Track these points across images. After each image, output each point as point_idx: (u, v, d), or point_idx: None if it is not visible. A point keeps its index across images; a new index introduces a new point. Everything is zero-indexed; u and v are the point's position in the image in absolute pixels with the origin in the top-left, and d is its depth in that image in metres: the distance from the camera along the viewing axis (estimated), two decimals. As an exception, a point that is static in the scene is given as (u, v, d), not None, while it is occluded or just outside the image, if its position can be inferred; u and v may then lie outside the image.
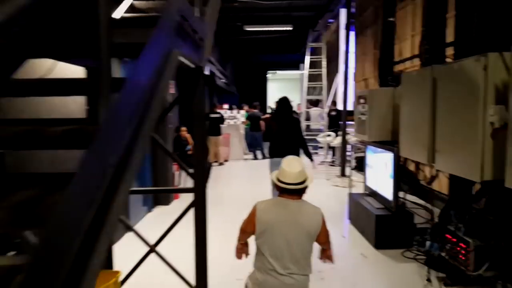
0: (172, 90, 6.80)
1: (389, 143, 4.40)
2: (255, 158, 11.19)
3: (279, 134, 4.94)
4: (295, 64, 20.27)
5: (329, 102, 11.74)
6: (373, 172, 4.84)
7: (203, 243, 2.50)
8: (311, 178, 2.17)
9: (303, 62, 17.30)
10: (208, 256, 2.57)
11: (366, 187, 5.06)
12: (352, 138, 8.96)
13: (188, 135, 6.90)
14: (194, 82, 2.51)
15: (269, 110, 17.83)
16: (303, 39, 12.84)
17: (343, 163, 8.01)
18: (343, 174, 7.98)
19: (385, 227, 4.20)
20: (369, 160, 4.96)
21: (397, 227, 4.20)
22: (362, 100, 5.11)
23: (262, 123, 11.13)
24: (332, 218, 4.66)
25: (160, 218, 5.18)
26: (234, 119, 11.50)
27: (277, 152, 4.66)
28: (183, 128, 6.84)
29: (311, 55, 12.19)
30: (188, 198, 2.61)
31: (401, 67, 6.02)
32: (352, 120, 10.49)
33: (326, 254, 2.29)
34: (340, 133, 10.12)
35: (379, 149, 4.58)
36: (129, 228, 2.62)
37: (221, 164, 10.17)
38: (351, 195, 5.25)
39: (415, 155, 3.82)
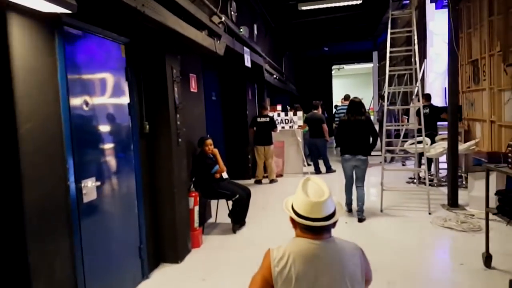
0: (194, 86, 4.75)
1: None
2: (318, 171, 8.74)
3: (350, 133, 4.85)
4: (366, 55, 17.15)
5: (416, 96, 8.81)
6: None
7: None
8: (339, 204, 1.63)
9: (376, 49, 14.35)
10: None
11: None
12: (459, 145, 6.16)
13: (215, 151, 4.77)
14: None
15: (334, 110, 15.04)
16: (375, 19, 10.07)
17: (454, 184, 5.21)
18: (454, 203, 5.20)
19: None
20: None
21: None
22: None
23: (325, 127, 8.64)
24: None
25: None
26: (290, 123, 9.18)
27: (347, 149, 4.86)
28: (209, 141, 4.73)
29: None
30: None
31: None
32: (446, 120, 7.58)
33: None
34: (440, 137, 7.24)
35: None
36: None
37: (272, 181, 7.90)
38: None
39: None
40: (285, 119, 8.99)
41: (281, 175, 8.61)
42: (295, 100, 15.50)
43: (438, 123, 7.62)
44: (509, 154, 3.18)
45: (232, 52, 6.05)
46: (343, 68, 23.58)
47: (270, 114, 8.83)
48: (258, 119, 7.73)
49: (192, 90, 4.75)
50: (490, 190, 5.09)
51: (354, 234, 4.57)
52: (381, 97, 9.67)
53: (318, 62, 18.99)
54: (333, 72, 22.17)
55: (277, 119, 9.14)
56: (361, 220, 4.94)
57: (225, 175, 4.75)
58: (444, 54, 9.55)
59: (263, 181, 7.94)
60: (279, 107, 9.53)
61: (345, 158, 4.92)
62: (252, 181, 8.04)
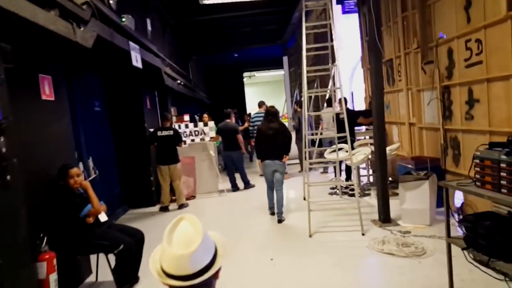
0: (47, 93, 3.29)
1: None
2: (235, 188, 7.70)
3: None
4: (277, 62, 16.87)
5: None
6: None
7: None
8: (223, 246, 1.32)
9: (286, 54, 14.05)
10: None
11: None
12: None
13: (85, 184, 3.34)
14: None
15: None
16: (284, 20, 9.53)
17: (384, 198, 4.59)
18: (386, 218, 4.58)
19: None
20: None
21: None
22: None
23: (240, 138, 7.66)
24: None
25: None
26: (201, 135, 7.99)
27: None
28: (75, 171, 3.29)
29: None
30: None
31: None
32: (363, 124, 7.25)
33: None
34: (359, 144, 6.79)
35: None
36: None
37: (182, 206, 6.58)
38: None
39: None
40: (194, 131, 7.77)
41: (193, 197, 7.35)
42: (206, 109, 14.39)
43: (357, 127, 7.24)
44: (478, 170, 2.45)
45: (115, 49, 4.68)
46: (254, 75, 23.32)
47: (177, 125, 7.56)
48: (159, 133, 6.38)
49: (44, 97, 3.27)
50: (420, 202, 4.64)
51: (284, 277, 3.59)
52: (296, 103, 9.08)
53: (229, 69, 18.22)
54: (245, 80, 21.70)
55: (184, 131, 7.89)
56: (280, 221, 5.18)
57: (102, 217, 3.35)
58: (348, 58, 9.45)
59: (171, 207, 6.59)
60: (186, 117, 8.29)
61: (266, 164, 5.15)
62: (156, 208, 6.63)
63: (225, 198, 7.25)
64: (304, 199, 6.38)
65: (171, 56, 9.08)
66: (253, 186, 7.84)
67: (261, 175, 9.26)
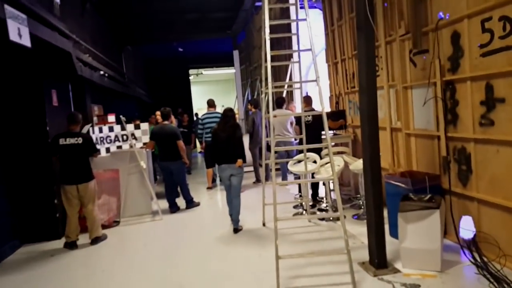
0: None
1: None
2: (174, 208, 6.09)
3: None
4: (226, 58, 15.33)
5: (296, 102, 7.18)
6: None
7: None
8: None
9: (237, 48, 12.70)
10: None
11: None
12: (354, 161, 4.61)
13: None
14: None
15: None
16: (236, 2, 8.10)
17: (379, 235, 3.30)
18: (381, 262, 3.29)
19: None
20: None
21: None
22: None
23: (181, 144, 6.08)
24: None
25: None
26: (130, 140, 6.25)
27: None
28: None
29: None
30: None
31: None
32: (332, 129, 6.05)
33: None
34: (325, 153, 5.54)
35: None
36: None
37: (96, 240, 4.81)
38: None
39: None
40: (122, 135, 6.03)
41: (116, 223, 5.61)
42: (144, 109, 12.50)
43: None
44: None
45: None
46: (202, 73, 21.64)
47: (97, 128, 5.77)
48: (62, 141, 4.58)
49: None
50: (429, 240, 3.39)
51: None
52: (250, 102, 7.69)
53: (174, 64, 16.37)
54: (191, 77, 19.94)
55: (108, 136, 6.13)
56: (236, 230, 4.86)
57: None
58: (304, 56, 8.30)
59: (81, 241, 4.81)
60: (111, 118, 6.49)
61: (222, 168, 4.89)
62: (61, 242, 4.81)
63: (161, 222, 5.61)
64: (264, 224, 4.99)
65: (95, 42, 7.21)
66: (197, 204, 6.30)
67: (208, 187, 7.76)
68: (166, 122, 6.16)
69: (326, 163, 5.33)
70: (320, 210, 5.40)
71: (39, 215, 4.96)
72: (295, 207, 5.60)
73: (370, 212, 3.41)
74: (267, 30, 3.85)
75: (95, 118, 6.60)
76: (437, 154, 3.99)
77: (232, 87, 24.52)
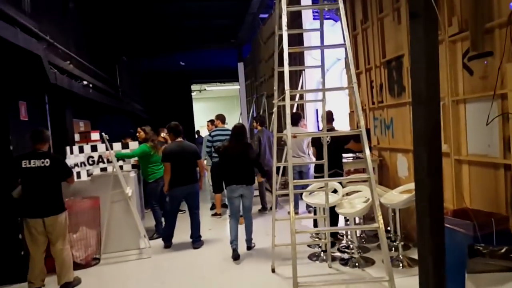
0: None
1: None
2: (168, 242, 5.10)
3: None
4: (231, 73, 14.55)
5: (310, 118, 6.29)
6: None
7: None
8: None
9: (242, 60, 11.98)
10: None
11: None
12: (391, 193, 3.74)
13: None
14: None
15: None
16: (241, 6, 7.32)
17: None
18: None
19: None
20: None
21: None
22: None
23: (202, 164, 5.21)
24: None
25: None
26: (110, 162, 5.28)
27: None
28: None
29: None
30: None
31: None
32: (353, 151, 5.08)
33: None
34: (351, 179, 4.63)
35: None
36: None
37: (66, 285, 3.81)
38: None
39: None
40: (105, 155, 5.15)
41: (96, 261, 4.65)
42: (140, 124, 11.66)
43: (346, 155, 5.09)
44: None
45: None
46: (205, 89, 20.92)
47: (77, 147, 4.87)
48: (25, 163, 3.67)
49: None
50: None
51: None
52: (256, 119, 6.80)
53: (175, 79, 15.63)
54: (193, 94, 19.20)
55: (90, 157, 5.27)
56: (250, 248, 4.67)
57: None
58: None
59: (49, 286, 3.85)
60: (94, 136, 5.60)
61: (232, 189, 4.53)
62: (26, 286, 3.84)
63: (149, 262, 4.62)
64: (273, 271, 4.00)
65: (80, 48, 6.41)
66: (201, 243, 5.18)
67: (217, 214, 6.74)
68: (180, 139, 5.13)
69: (347, 194, 4.41)
70: (342, 251, 4.41)
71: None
72: (310, 246, 4.62)
73: (426, 271, 2.44)
74: (284, 19, 2.97)
75: (76, 136, 5.72)
76: (503, 188, 3.05)
77: (235, 104, 23.75)
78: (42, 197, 3.71)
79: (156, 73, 14.75)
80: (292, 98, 7.63)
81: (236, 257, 4.39)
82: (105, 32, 8.44)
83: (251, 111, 11.96)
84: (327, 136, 4.59)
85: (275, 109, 3.61)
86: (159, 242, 5.21)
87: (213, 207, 7.08)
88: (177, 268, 4.38)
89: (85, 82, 5.60)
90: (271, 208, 6.65)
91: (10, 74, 4.14)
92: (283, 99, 3.03)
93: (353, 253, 4.12)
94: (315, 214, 4.72)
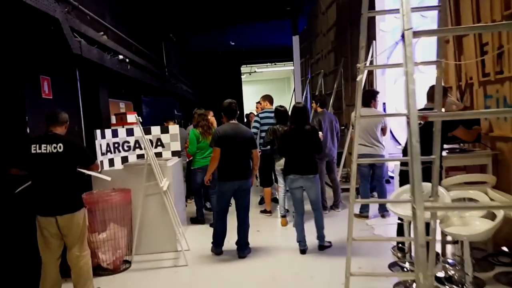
0: None
1: None
2: (218, 249, 4.17)
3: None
4: (283, 53, 13.41)
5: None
6: None
7: None
8: None
9: (297, 33, 10.89)
10: None
11: None
12: None
13: None
14: None
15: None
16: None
17: None
18: None
19: None
20: None
21: None
22: None
23: (257, 153, 4.21)
24: None
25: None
26: (157, 147, 4.71)
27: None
28: None
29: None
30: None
31: None
32: (460, 140, 3.78)
33: None
34: (452, 181, 3.39)
35: None
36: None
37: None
38: None
39: None
40: (148, 140, 4.34)
41: (127, 264, 3.97)
42: (187, 106, 11.06)
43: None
44: None
45: None
46: (255, 71, 19.99)
47: (110, 131, 4.17)
48: (34, 149, 2.97)
49: None
50: None
51: None
52: (316, 99, 5.68)
53: (224, 60, 14.87)
54: (243, 76, 18.39)
55: (125, 142, 4.60)
56: (323, 247, 4.03)
57: None
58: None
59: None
60: (130, 118, 4.90)
61: (292, 179, 3.98)
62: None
63: (185, 271, 3.83)
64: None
65: (119, 20, 5.73)
66: (249, 251, 4.28)
67: (267, 211, 5.86)
68: (235, 121, 4.11)
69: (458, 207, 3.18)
70: (447, 280, 3.20)
71: (11, 257, 3.42)
72: (392, 265, 3.51)
73: None
74: None
75: (112, 117, 5.07)
76: None
77: (286, 87, 22.60)
78: (54, 190, 3.01)
79: (204, 53, 14.09)
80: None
81: (303, 252, 3.98)
82: (150, 5, 7.75)
83: (305, 92, 10.86)
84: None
85: (360, 76, 2.48)
86: (199, 243, 4.42)
87: (261, 201, 6.17)
88: (218, 283, 3.53)
89: (120, 57, 4.87)
90: (331, 207, 5.61)
91: (26, 43, 3.46)
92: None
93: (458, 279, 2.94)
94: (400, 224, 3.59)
